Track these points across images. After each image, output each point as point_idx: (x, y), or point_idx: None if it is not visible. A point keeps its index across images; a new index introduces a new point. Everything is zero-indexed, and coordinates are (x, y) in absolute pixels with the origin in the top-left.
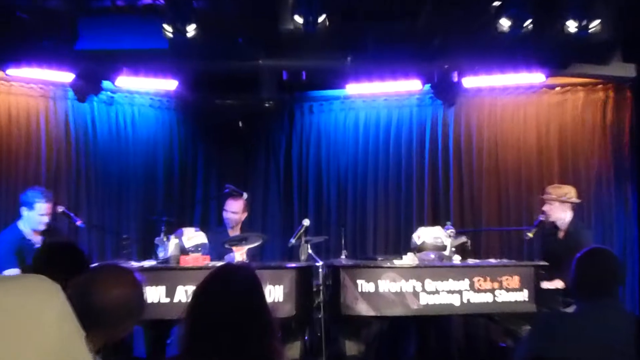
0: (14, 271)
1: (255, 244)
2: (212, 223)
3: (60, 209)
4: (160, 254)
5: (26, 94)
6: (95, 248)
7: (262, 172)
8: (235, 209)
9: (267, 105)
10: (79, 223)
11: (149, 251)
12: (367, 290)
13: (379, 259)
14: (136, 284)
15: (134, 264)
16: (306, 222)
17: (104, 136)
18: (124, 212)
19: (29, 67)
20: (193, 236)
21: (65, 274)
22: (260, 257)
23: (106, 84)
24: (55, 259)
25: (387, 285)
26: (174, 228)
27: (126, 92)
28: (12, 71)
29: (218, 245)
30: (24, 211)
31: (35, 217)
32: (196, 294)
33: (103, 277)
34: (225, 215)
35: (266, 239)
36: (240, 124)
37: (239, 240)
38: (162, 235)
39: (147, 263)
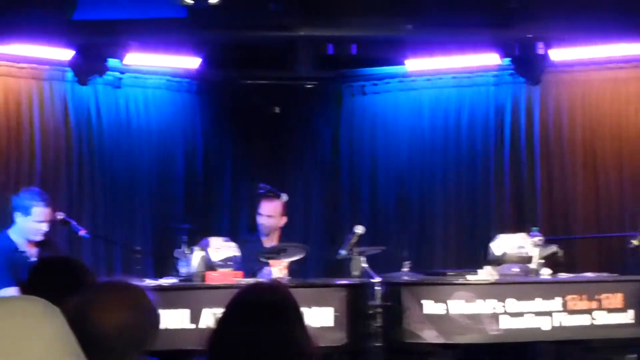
0: (11, 290)
1: (297, 257)
2: (243, 231)
3: (59, 215)
4: (182, 270)
5: (15, 74)
6: (101, 263)
7: (303, 168)
8: (271, 213)
9: (307, 86)
10: (82, 233)
11: (168, 266)
12: (434, 313)
13: (449, 274)
14: (146, 305)
15: (150, 282)
16: (359, 229)
17: (110, 126)
18: (137, 219)
19: (17, 43)
20: (221, 247)
21: (64, 295)
22: (303, 272)
23: (112, 62)
24: (54, 276)
25: (460, 306)
26: (197, 238)
27: (137, 72)
28: None
29: (251, 257)
30: (18, 217)
31: (31, 225)
32: (219, 320)
33: (105, 297)
34: (260, 220)
35: (309, 251)
36: (276, 110)
37: (276, 252)
38: (183, 246)
39: (166, 281)
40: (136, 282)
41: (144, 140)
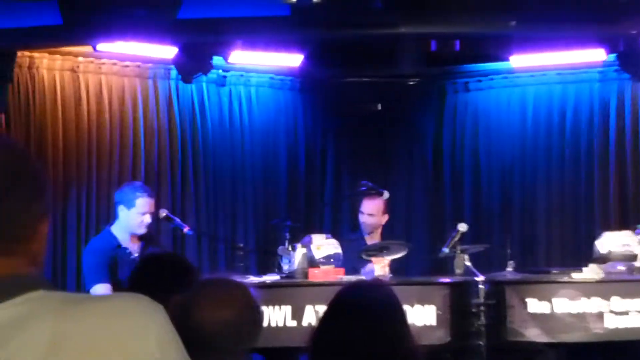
0: (103, 287)
1: (399, 254)
2: (345, 229)
3: (163, 212)
4: (285, 267)
5: (120, 73)
6: (205, 260)
7: (405, 165)
8: (373, 211)
9: (411, 82)
10: (186, 230)
11: (271, 263)
12: (538, 311)
13: (554, 272)
14: (250, 302)
15: (253, 279)
16: (462, 226)
17: (214, 123)
18: (240, 216)
19: (122, 41)
20: (323, 244)
21: (170, 292)
22: (405, 270)
23: (217, 60)
24: (158, 273)
25: (564, 304)
26: (300, 235)
27: (241, 70)
28: (102, 46)
29: (353, 255)
30: (121, 210)
31: (135, 217)
32: (322, 318)
33: (209, 295)
34: (361, 218)
35: (411, 248)
36: (379, 107)
37: (378, 250)
38: (286, 243)
39: (269, 278)
40: (239, 279)
41: (247, 137)
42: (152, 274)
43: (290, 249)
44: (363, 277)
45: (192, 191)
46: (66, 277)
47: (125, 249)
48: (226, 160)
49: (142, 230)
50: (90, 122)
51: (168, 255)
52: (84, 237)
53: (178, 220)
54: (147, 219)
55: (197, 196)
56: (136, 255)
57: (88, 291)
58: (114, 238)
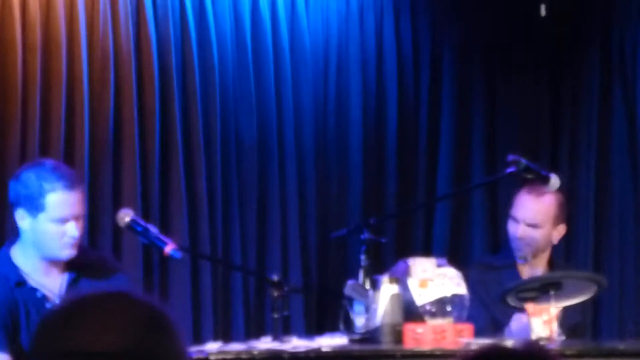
0: None
1: (581, 297)
2: (475, 248)
3: (125, 216)
4: (359, 320)
5: None
6: (206, 309)
7: (597, 129)
8: (533, 216)
9: None
10: (168, 250)
11: (332, 313)
12: None
13: None
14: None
15: (297, 343)
16: None
17: (222, 48)
18: (273, 224)
19: None
20: (431, 277)
21: None
22: (594, 328)
23: None
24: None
25: None
26: (387, 259)
27: None
28: None
29: (491, 297)
30: (22, 219)
31: (48, 229)
32: None
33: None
34: (512, 229)
35: (606, 286)
36: (543, 11)
37: (540, 289)
38: (360, 275)
39: (329, 341)
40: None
41: (284, 77)
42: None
43: (368, 285)
44: (509, 342)
45: (182, 177)
46: None
47: (34, 289)
48: (245, 116)
49: (65, 254)
50: None
51: (121, 300)
52: None
53: (153, 229)
54: (72, 230)
55: (190, 187)
56: (55, 299)
57: None
58: (14, 269)
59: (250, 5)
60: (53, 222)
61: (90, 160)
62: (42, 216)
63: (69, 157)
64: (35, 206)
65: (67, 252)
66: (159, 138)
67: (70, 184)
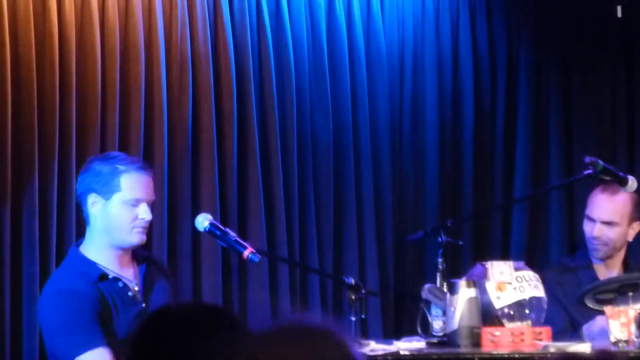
0: (98, 356)
1: None
2: (554, 249)
3: (204, 220)
4: (436, 324)
5: None
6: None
7: None
8: (611, 215)
9: None
10: (247, 253)
11: (409, 317)
12: None
13: None
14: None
15: (374, 347)
16: None
17: (298, 48)
18: (349, 225)
19: None
20: (510, 280)
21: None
22: None
23: None
24: (179, 337)
25: None
26: (465, 262)
27: None
28: None
29: (569, 300)
30: (93, 206)
31: (120, 213)
32: None
33: (292, 350)
34: (588, 229)
35: None
36: (619, 12)
37: (618, 290)
38: (437, 279)
39: (407, 344)
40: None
41: (359, 77)
42: (165, 338)
43: (445, 289)
44: (587, 345)
45: (260, 180)
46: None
47: (115, 279)
48: (321, 119)
49: (136, 238)
50: (66, 54)
51: (196, 307)
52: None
53: (232, 233)
54: (144, 212)
55: (267, 191)
56: (135, 288)
57: None
58: (91, 265)
59: (326, 8)
60: (126, 205)
61: (169, 165)
62: (116, 197)
63: (147, 162)
64: (109, 187)
65: (138, 237)
66: (237, 142)
67: (144, 167)
